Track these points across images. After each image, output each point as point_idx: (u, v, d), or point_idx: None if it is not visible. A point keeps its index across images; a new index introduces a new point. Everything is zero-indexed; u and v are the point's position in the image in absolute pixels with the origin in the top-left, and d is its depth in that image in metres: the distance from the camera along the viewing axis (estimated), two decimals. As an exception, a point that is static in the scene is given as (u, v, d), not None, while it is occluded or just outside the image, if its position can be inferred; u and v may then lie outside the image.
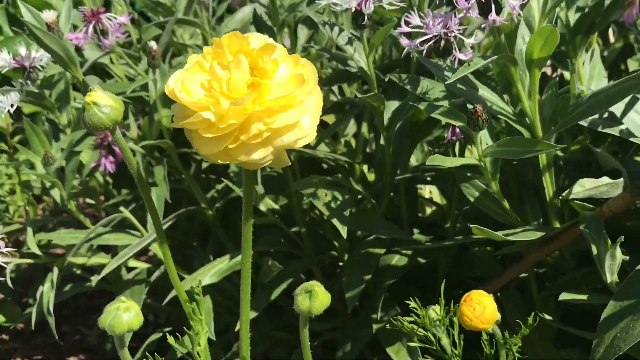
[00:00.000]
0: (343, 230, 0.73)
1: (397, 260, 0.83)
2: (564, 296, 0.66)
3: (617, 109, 0.64)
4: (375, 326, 0.84)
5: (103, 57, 0.94)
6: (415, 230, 0.93)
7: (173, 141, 0.91)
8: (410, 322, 0.64)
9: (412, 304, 0.63)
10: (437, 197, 1.03)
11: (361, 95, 0.75)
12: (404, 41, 0.69)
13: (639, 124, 0.64)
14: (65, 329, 1.23)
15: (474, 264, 0.88)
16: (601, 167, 0.78)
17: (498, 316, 0.55)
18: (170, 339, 0.55)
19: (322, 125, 1.03)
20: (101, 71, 1.05)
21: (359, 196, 0.90)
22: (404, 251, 0.84)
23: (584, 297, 0.66)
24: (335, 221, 0.73)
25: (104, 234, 0.89)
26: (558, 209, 0.74)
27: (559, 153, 0.81)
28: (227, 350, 0.98)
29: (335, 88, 1.09)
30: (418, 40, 0.68)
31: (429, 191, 1.09)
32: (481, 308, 0.54)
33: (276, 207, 0.97)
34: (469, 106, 0.63)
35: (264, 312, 1.02)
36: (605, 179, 0.71)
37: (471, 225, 0.64)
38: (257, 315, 0.87)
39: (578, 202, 0.70)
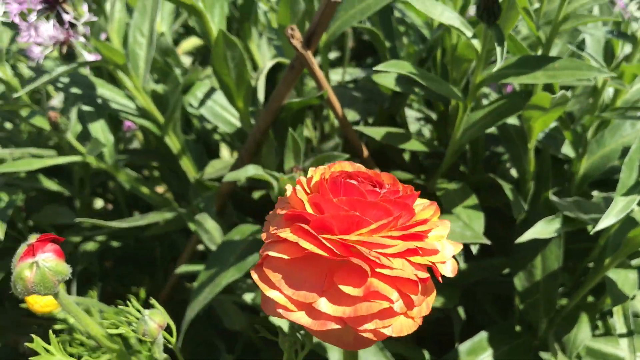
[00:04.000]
0: (1, 230, 0.78)
1: (91, 245, 0.92)
2: (180, 269, 0.76)
3: (196, 98, 0.74)
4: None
5: None
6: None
7: None
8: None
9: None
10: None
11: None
12: (31, 54, 0.76)
13: (215, 110, 0.74)
14: None
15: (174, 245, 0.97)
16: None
17: (57, 306, 0.64)
18: None
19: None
20: None
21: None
22: (98, 238, 0.92)
23: (196, 267, 0.75)
24: (-5, 222, 0.79)
25: None
26: (205, 188, 0.84)
27: (217, 137, 0.90)
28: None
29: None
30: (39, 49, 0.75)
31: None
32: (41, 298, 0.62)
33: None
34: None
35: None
36: (231, 161, 0.81)
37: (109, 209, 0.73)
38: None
39: (209, 181, 0.79)
